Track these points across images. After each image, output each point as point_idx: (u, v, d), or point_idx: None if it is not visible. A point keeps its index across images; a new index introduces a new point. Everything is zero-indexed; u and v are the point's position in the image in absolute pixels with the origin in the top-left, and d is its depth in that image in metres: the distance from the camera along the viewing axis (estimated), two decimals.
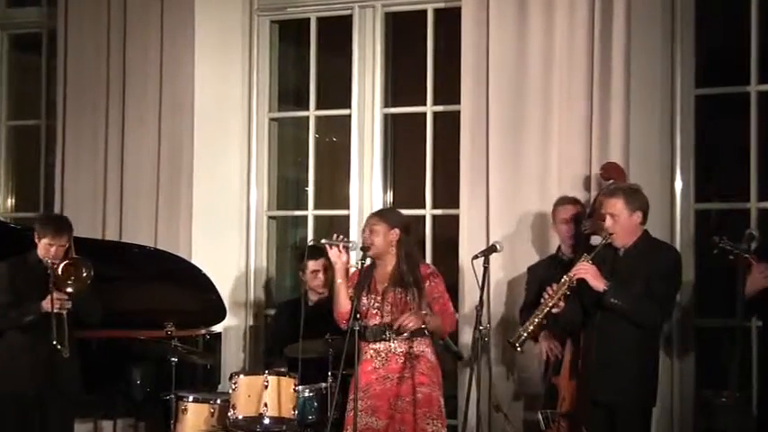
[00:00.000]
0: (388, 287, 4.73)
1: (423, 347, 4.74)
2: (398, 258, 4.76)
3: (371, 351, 4.73)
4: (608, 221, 4.63)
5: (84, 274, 5.08)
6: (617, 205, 4.63)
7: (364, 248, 4.74)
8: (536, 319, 4.57)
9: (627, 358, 4.59)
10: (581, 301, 4.66)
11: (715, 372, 5.55)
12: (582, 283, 4.57)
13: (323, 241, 4.82)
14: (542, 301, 4.60)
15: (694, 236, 5.65)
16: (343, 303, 4.73)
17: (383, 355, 4.72)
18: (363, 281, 4.70)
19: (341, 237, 4.81)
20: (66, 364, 5.13)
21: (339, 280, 4.73)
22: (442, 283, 4.81)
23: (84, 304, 5.15)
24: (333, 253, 4.73)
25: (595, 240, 4.99)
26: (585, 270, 4.55)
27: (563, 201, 5.35)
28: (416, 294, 4.71)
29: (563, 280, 4.58)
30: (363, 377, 4.67)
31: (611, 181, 5.15)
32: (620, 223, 4.62)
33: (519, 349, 4.63)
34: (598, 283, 4.54)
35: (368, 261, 4.82)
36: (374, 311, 4.73)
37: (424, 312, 4.67)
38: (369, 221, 4.84)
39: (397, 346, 4.70)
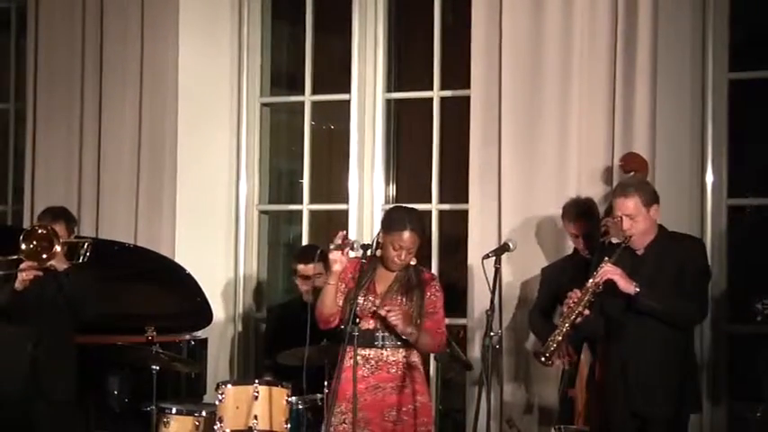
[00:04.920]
0: (390, 291, 4.73)
1: (414, 358, 4.74)
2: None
3: (359, 358, 4.65)
4: (626, 223, 4.59)
5: (45, 255, 4.97)
6: (632, 204, 4.58)
7: (365, 246, 4.71)
8: (563, 329, 4.55)
9: (663, 367, 4.57)
10: (603, 309, 4.63)
11: (750, 383, 5.51)
12: (607, 289, 4.54)
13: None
14: (565, 310, 4.58)
15: (727, 234, 5.63)
16: (329, 305, 4.72)
17: (373, 362, 4.70)
18: (362, 280, 4.68)
19: (349, 239, 4.75)
20: (55, 367, 5.09)
21: (332, 282, 4.71)
22: (442, 298, 4.79)
23: (82, 295, 5.08)
24: (336, 254, 4.67)
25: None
26: (613, 271, 4.52)
27: (572, 215, 5.27)
28: (419, 302, 4.69)
29: (587, 285, 4.54)
30: (350, 386, 4.61)
31: (633, 173, 5.14)
32: (640, 222, 4.59)
33: (550, 363, 4.63)
34: (628, 286, 4.51)
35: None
36: (369, 315, 4.71)
37: (410, 330, 4.63)
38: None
39: (390, 354, 4.70)
